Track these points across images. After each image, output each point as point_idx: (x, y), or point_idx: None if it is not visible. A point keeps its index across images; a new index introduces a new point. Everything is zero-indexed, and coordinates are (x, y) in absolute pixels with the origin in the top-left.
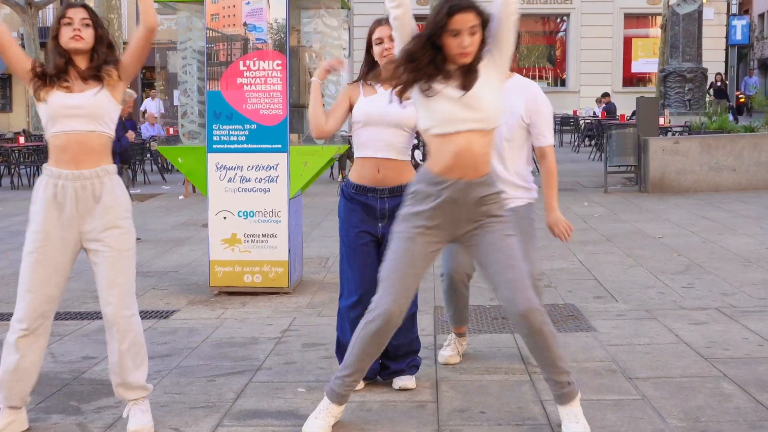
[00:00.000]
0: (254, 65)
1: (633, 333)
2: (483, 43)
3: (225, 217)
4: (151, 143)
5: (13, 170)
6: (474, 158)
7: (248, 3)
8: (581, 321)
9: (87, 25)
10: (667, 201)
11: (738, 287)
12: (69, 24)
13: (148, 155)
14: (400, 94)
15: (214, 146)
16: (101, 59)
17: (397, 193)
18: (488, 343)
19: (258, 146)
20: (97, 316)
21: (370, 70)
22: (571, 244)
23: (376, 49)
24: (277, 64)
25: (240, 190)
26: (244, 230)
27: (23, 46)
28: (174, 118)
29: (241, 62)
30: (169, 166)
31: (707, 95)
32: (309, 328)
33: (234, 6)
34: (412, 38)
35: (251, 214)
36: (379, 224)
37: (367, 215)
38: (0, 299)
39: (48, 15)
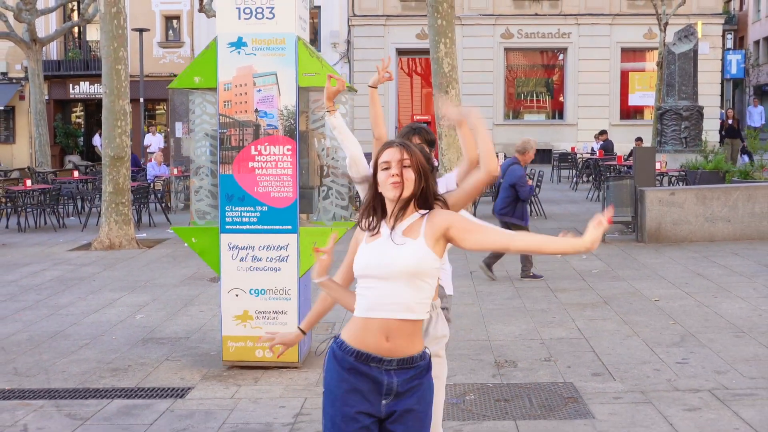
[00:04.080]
0: (265, 150)
1: (630, 421)
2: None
3: (237, 295)
4: (156, 183)
5: (20, 212)
6: None
7: (259, 90)
8: (580, 404)
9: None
10: (663, 254)
11: (731, 364)
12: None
13: (153, 196)
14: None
15: (227, 227)
16: None
17: (406, 366)
18: (491, 431)
19: (269, 227)
20: (116, 394)
21: (374, 206)
22: (570, 308)
23: (381, 175)
24: (288, 149)
25: (252, 269)
26: (256, 307)
27: (27, 79)
28: (178, 152)
29: (252, 147)
30: (172, 206)
31: (719, 135)
32: (320, 412)
33: (246, 93)
34: None
35: (262, 291)
36: (383, 401)
37: (369, 390)
38: (21, 372)
39: (51, 50)
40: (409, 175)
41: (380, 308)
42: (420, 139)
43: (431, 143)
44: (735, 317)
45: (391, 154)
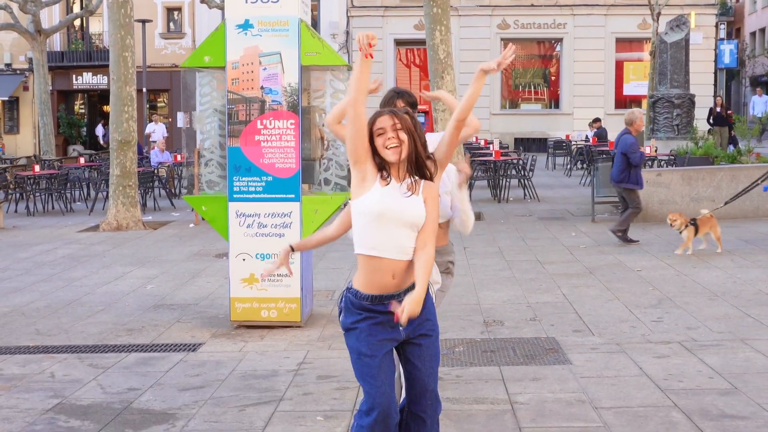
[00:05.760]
0: (270, 124)
1: (603, 366)
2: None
3: (244, 259)
4: (159, 169)
5: (28, 197)
6: None
7: (265, 69)
8: (560, 354)
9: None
10: (650, 231)
11: (702, 321)
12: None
13: (157, 181)
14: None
15: (235, 196)
16: None
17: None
18: (477, 375)
19: (274, 196)
20: (132, 348)
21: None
22: (556, 277)
23: (379, 141)
24: (291, 123)
25: (257, 235)
26: (262, 270)
27: (32, 70)
28: (179, 141)
29: (258, 121)
30: (177, 192)
31: (708, 124)
32: (321, 361)
33: (252, 72)
34: None
35: (267, 256)
36: (400, 327)
37: (388, 321)
38: (42, 333)
39: (55, 41)
40: (403, 137)
41: (384, 249)
42: (403, 101)
43: (413, 105)
44: (711, 284)
45: (384, 121)
